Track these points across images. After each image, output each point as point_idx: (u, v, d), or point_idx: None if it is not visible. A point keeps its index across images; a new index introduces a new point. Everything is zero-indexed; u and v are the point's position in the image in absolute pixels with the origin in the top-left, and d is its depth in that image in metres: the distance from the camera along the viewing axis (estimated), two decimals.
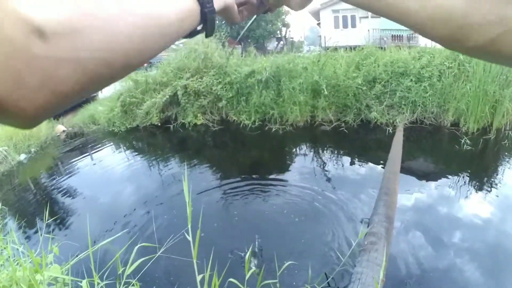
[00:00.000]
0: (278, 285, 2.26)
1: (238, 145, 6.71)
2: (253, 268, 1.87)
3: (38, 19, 0.25)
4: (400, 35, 15.42)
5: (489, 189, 3.66)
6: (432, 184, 3.93)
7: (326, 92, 6.38)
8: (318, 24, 20.97)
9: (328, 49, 8.67)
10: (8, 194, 6.03)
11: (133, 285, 1.76)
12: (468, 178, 3.92)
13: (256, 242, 2.95)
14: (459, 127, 5.18)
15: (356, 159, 4.79)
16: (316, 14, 19.80)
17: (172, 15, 0.36)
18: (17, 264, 2.11)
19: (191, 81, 7.95)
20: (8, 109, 0.25)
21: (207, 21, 0.43)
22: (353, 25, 18.13)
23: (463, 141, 4.68)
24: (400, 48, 6.85)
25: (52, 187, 5.88)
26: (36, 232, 3.83)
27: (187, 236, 1.26)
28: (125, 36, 0.30)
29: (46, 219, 2.73)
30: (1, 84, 0.24)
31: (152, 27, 0.33)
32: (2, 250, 2.73)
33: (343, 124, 6.25)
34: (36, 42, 0.24)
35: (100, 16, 0.28)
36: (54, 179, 6.35)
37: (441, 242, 2.89)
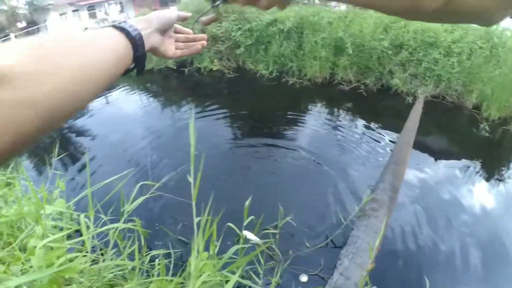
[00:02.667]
0: (277, 236, 2.36)
1: (253, 95, 6.61)
2: (252, 217, 1.92)
3: None
4: None
5: (498, 180, 3.60)
6: (443, 163, 3.89)
7: (350, 51, 6.10)
8: None
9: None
10: None
11: (134, 221, 1.83)
12: (479, 165, 3.84)
13: (258, 194, 3.01)
14: (481, 111, 4.96)
15: (371, 124, 4.71)
16: None
17: (111, 60, 0.43)
18: (25, 199, 2.21)
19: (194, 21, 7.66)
20: None
21: (139, 62, 0.52)
22: None
23: (482, 126, 4.52)
24: None
25: (65, 127, 5.96)
26: (46, 169, 3.99)
27: (189, 178, 1.26)
28: (72, 80, 0.34)
29: (56, 156, 2.82)
30: None
31: (95, 72, 0.38)
32: (12, 187, 2.85)
33: (362, 86, 6.04)
34: None
35: (49, 63, 0.32)
36: None
37: (440, 222, 2.92)
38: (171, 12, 0.64)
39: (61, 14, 19.85)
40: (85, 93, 0.36)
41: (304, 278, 2.28)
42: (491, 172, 3.74)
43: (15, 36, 15.92)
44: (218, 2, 0.62)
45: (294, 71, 6.77)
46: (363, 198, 2.89)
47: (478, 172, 3.71)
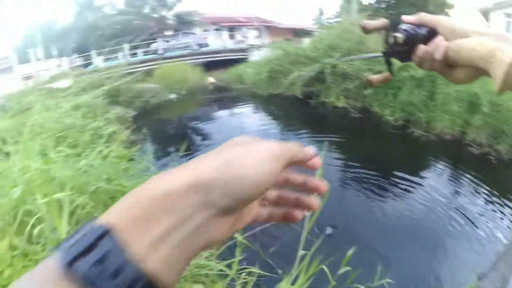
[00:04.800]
0: None
1: (375, 139, 6.71)
2: (348, 268, 2.05)
3: None
4: None
5: None
6: None
7: (485, 109, 5.85)
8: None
9: None
10: (154, 122, 7.34)
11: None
12: None
13: (367, 244, 3.33)
14: None
15: (496, 200, 4.52)
16: (485, 13, 16.19)
17: None
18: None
19: (341, 62, 8.08)
20: None
21: None
22: None
23: None
24: None
25: (191, 127, 6.95)
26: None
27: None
28: None
29: (181, 152, 3.29)
30: None
31: None
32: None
33: (493, 152, 5.74)
34: None
35: None
36: (194, 120, 7.43)
37: None
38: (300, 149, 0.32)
39: (204, 31, 22.34)
40: None
41: None
42: None
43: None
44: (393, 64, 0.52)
45: (421, 122, 6.65)
46: (465, 284, 2.98)
47: None
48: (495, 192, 4.71)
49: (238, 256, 1.89)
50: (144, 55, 17.75)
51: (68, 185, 1.90)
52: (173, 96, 10.45)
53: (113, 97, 8.50)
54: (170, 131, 6.94)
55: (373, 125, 7.22)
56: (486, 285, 3.08)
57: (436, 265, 3.45)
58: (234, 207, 0.25)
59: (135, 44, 18.95)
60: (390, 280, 2.52)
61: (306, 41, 10.90)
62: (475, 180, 5.08)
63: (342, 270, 1.97)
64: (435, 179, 5.15)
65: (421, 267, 3.36)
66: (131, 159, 3.63)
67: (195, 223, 0.23)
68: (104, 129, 5.23)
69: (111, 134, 5.19)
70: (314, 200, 0.34)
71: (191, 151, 5.12)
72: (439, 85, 6.63)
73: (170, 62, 13.93)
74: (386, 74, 0.54)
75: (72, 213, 1.82)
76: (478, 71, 0.39)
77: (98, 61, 16.35)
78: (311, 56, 9.07)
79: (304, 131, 6.94)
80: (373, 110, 7.56)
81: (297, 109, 8.60)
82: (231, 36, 21.11)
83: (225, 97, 10.55)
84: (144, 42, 19.58)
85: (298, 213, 0.34)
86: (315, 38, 10.27)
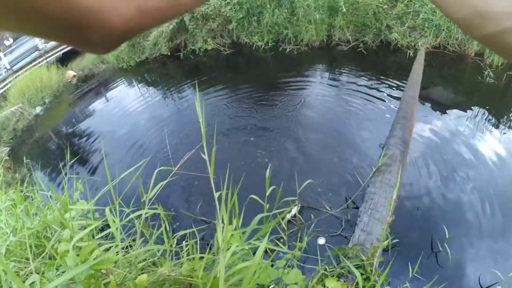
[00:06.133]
0: (297, 201, 2.41)
1: (252, 68, 6.57)
2: (273, 186, 1.95)
3: None
4: None
5: (508, 127, 3.55)
6: (450, 113, 3.84)
7: (344, 10, 5.94)
8: None
9: None
10: (31, 147, 6.23)
11: (155, 208, 1.89)
12: (486, 113, 3.78)
13: (274, 163, 3.05)
14: (483, 58, 4.81)
15: (375, 82, 4.66)
16: None
17: None
18: (47, 208, 2.26)
19: None
20: (94, 23, 0.22)
21: None
22: None
23: (486, 73, 4.39)
24: None
25: (71, 132, 6.03)
26: (62, 176, 4.07)
27: (203, 155, 1.26)
28: None
29: (69, 162, 2.85)
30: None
31: None
32: (32, 200, 2.91)
33: (361, 45, 5.94)
34: None
35: None
36: (72, 124, 6.49)
37: (453, 174, 2.93)
38: None
39: None
40: None
41: (321, 241, 2.35)
42: (500, 119, 3.70)
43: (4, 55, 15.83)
44: None
45: (290, 38, 6.64)
46: (375, 156, 2.91)
47: (487, 120, 3.67)
48: (372, 77, 4.83)
49: (164, 226, 1.80)
50: None
51: None
52: (39, 109, 8.80)
53: None
54: (52, 147, 5.81)
55: (247, 55, 6.97)
56: (392, 150, 3.00)
57: (347, 149, 3.39)
58: None
59: None
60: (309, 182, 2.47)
61: None
62: (352, 72, 5.16)
63: (268, 191, 1.91)
64: (318, 82, 5.04)
65: (336, 159, 3.28)
66: (27, 197, 3.19)
67: None
68: None
69: None
70: None
71: (79, 155, 4.61)
72: (297, 0, 6.53)
73: (21, 74, 11.54)
74: None
75: None
76: None
77: None
78: None
79: (181, 84, 6.30)
80: (243, 42, 7.23)
81: (170, 67, 7.84)
82: None
83: (93, 85, 9.27)
84: None
85: None
86: None
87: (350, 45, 6.05)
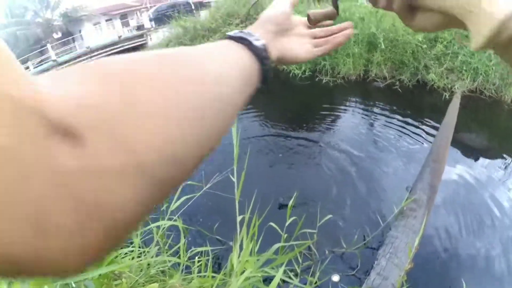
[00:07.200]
0: (315, 235, 2.38)
1: (287, 94, 6.63)
2: (294, 217, 1.96)
3: (59, 111, 0.15)
4: None
5: None
6: (483, 160, 3.70)
7: (383, 46, 5.98)
8: None
9: None
10: None
11: (175, 220, 1.91)
12: None
13: (299, 194, 3.04)
14: None
15: (408, 121, 4.60)
16: None
17: (243, 80, 0.30)
18: None
19: (241, 27, 7.78)
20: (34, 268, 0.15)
21: (265, 80, 0.35)
22: None
23: None
24: None
25: None
26: None
27: (231, 177, 1.30)
28: (191, 116, 0.21)
29: None
30: (17, 234, 0.13)
31: (220, 97, 0.25)
32: None
33: (397, 83, 5.89)
34: (64, 149, 0.15)
35: (147, 97, 0.19)
36: None
37: (481, 223, 2.81)
38: (282, 3, 0.46)
39: (94, 24, 20.70)
40: (216, 131, 0.24)
41: (335, 278, 2.30)
42: None
43: (52, 47, 16.71)
44: None
45: (327, 69, 6.70)
46: (401, 198, 2.85)
47: None
48: (406, 116, 4.76)
49: (183, 240, 1.79)
50: (35, 67, 15.16)
51: None
52: None
53: None
54: None
55: (283, 81, 7.07)
56: (419, 195, 2.94)
57: (372, 187, 3.34)
58: (280, 29, 0.43)
59: (23, 57, 16.07)
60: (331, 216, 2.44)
61: (204, 14, 10.32)
62: (385, 110, 5.11)
63: (288, 221, 1.90)
64: (351, 116, 5.08)
65: (359, 195, 3.24)
66: None
67: (270, 36, 0.40)
68: None
69: None
70: (346, 30, 0.47)
71: None
72: None
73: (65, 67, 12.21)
74: (330, 9, 0.47)
75: None
76: (449, 21, 0.30)
77: None
78: (210, 28, 8.74)
79: None
80: (281, 68, 7.34)
81: None
82: (125, 24, 19.44)
83: None
84: (34, 52, 16.85)
85: (340, 37, 0.46)
86: (212, 9, 9.86)
87: (386, 82, 6.02)
